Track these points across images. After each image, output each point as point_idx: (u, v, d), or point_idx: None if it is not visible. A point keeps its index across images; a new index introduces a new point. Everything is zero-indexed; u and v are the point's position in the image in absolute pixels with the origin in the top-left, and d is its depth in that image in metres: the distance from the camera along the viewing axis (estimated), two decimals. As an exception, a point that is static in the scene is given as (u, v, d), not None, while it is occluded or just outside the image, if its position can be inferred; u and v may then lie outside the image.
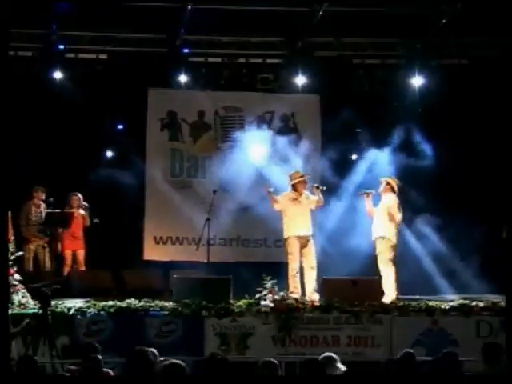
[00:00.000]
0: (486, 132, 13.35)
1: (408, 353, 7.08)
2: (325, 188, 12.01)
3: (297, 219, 11.78)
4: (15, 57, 12.88)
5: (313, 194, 11.96)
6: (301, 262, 11.74)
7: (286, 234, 11.86)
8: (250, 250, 14.50)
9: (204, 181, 14.52)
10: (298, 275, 11.67)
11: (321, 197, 11.94)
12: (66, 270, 12.93)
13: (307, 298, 11.48)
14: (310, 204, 11.89)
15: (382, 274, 11.75)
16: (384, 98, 14.07)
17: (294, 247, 11.75)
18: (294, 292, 11.53)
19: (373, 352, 10.85)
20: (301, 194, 11.87)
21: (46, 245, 12.91)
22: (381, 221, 11.93)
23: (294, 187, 11.90)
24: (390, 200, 11.98)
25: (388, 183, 12.06)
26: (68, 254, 13.08)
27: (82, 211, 13.09)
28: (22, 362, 6.84)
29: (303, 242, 11.76)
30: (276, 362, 6.62)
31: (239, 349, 10.81)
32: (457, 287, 12.86)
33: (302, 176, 11.94)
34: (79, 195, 13.10)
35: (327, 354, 7.46)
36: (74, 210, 12.96)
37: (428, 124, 13.96)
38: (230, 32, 13.53)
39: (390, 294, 11.62)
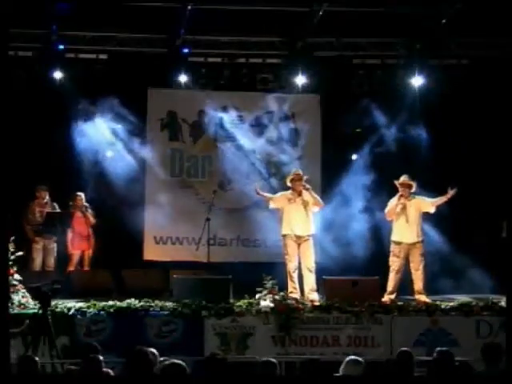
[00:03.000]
0: (486, 132, 13.34)
1: (404, 352, 7.07)
2: (309, 187, 11.90)
3: (293, 218, 11.79)
4: (15, 57, 12.86)
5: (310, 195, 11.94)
6: (299, 263, 11.75)
7: (282, 232, 11.91)
8: (250, 250, 14.47)
9: (204, 181, 14.53)
10: (296, 275, 11.67)
11: (318, 199, 11.91)
12: (70, 270, 12.92)
13: (305, 298, 11.48)
14: (309, 206, 11.86)
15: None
16: (384, 98, 14.04)
17: (289, 247, 11.76)
18: (293, 292, 11.54)
19: (373, 352, 10.85)
20: (299, 195, 11.85)
21: (52, 245, 12.90)
22: (416, 223, 11.83)
23: (292, 187, 11.90)
24: (419, 200, 11.91)
25: (409, 185, 11.90)
26: (76, 254, 13.12)
27: (85, 211, 13.10)
28: (22, 361, 6.84)
29: (300, 242, 11.76)
30: (275, 361, 6.61)
31: (239, 349, 10.82)
32: (456, 286, 12.85)
33: (296, 174, 11.94)
34: (82, 195, 13.13)
35: (353, 357, 7.34)
36: (77, 210, 12.99)
37: (428, 124, 13.94)
38: (230, 32, 13.51)
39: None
